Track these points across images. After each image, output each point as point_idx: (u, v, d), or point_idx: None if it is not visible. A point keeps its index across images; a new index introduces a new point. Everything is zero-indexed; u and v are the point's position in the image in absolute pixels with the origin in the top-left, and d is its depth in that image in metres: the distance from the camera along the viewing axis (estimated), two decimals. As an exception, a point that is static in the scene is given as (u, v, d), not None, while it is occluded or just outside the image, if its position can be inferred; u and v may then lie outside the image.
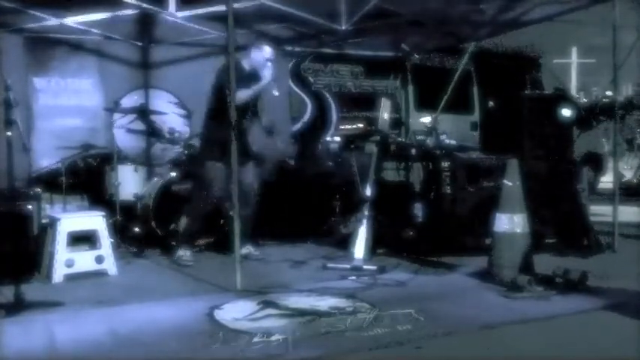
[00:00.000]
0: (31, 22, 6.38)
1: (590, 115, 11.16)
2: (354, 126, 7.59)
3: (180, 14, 5.97)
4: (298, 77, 8.65)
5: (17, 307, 3.76)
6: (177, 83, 7.25)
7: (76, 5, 6.08)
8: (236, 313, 3.67)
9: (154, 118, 6.35)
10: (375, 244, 5.40)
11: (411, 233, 5.73)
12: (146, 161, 6.60)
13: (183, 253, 5.27)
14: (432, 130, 5.95)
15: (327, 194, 6.72)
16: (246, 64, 5.40)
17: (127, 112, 6.15)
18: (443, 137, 5.91)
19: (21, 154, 4.04)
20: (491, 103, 8.95)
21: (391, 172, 6.48)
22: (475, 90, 9.16)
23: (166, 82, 7.30)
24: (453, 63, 8.65)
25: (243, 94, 5.04)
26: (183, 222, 5.45)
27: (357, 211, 5.53)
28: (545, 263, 4.53)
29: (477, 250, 5.06)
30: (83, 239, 4.91)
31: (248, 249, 5.41)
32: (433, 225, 5.59)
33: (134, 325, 3.50)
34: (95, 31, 6.80)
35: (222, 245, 5.74)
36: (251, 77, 5.30)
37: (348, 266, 4.88)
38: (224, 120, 5.02)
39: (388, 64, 8.91)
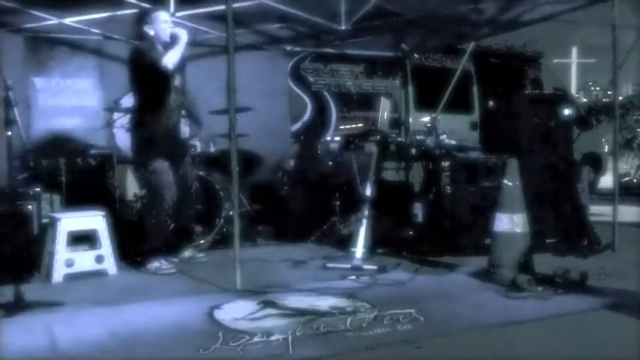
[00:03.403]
0: (31, 22, 6.39)
1: (590, 115, 11.19)
2: (354, 126, 7.61)
3: (180, 14, 5.97)
4: (298, 77, 8.67)
5: (17, 307, 3.75)
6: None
7: (76, 5, 6.09)
8: (236, 313, 3.67)
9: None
10: (375, 244, 5.41)
11: (411, 233, 5.74)
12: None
13: (160, 264, 4.95)
14: (431, 130, 5.95)
15: (327, 194, 6.72)
16: (159, 43, 4.99)
17: (127, 111, 6.14)
18: (443, 137, 5.91)
19: (21, 154, 4.04)
20: (491, 103, 8.96)
21: (391, 172, 6.49)
22: (475, 90, 9.17)
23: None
24: (453, 63, 8.66)
25: (173, 56, 4.75)
26: (148, 229, 5.08)
27: (357, 211, 5.53)
28: (545, 263, 4.53)
29: (477, 250, 5.06)
30: (83, 239, 4.91)
31: (160, 262, 4.99)
32: (433, 225, 5.59)
33: (134, 325, 3.50)
34: (95, 30, 6.81)
35: (222, 245, 5.78)
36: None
37: (348, 266, 4.88)
38: (155, 106, 4.91)
39: (388, 64, 8.92)
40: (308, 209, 6.78)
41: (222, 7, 4.93)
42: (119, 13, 6.16)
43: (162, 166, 4.99)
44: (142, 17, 5.08)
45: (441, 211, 5.58)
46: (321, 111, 8.80)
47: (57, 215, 4.91)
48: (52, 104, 6.99)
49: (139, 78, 4.97)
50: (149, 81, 4.90)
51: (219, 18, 5.82)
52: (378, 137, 5.55)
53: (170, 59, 4.79)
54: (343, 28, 6.61)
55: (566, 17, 6.65)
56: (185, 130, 5.54)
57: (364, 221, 5.14)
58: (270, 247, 6.12)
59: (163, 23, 4.99)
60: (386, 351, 3.05)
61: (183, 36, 4.89)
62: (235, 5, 4.72)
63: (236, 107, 4.37)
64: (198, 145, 6.12)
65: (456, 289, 4.28)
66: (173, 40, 4.89)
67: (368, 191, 5.27)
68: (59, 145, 6.47)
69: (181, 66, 5.05)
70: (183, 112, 5.34)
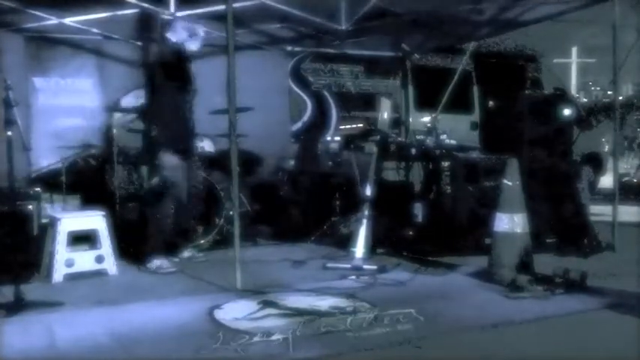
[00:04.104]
0: (31, 22, 6.38)
1: (590, 115, 11.20)
2: (354, 126, 7.61)
3: (179, 14, 5.96)
4: (298, 77, 8.66)
5: (17, 307, 3.76)
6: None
7: (76, 5, 6.09)
8: (236, 313, 3.67)
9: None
10: (375, 244, 5.41)
11: (411, 233, 5.74)
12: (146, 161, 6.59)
13: (161, 263, 4.98)
14: (431, 130, 5.95)
15: (327, 194, 6.73)
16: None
17: (127, 111, 6.15)
18: (443, 137, 5.91)
19: (21, 154, 4.04)
20: (491, 103, 8.97)
21: (391, 172, 6.49)
22: (475, 90, 9.17)
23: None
24: (453, 63, 8.67)
25: (194, 42, 5.15)
26: (150, 227, 5.12)
27: (357, 211, 5.53)
28: (545, 263, 4.53)
29: (477, 250, 5.06)
30: (83, 239, 4.91)
31: (161, 261, 5.02)
32: (433, 225, 5.59)
33: (134, 325, 3.50)
34: (95, 30, 6.80)
35: (222, 245, 5.77)
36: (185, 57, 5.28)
37: (348, 266, 4.88)
38: (167, 97, 5.06)
39: (388, 64, 8.92)
40: (308, 209, 6.78)
41: (222, 7, 4.94)
42: (119, 13, 6.16)
43: (174, 162, 5.07)
44: (163, 26, 5.44)
45: (441, 211, 5.58)
46: (321, 111, 8.80)
47: (57, 215, 4.92)
48: (52, 104, 6.99)
49: (159, 77, 5.15)
50: (169, 79, 5.11)
51: (219, 18, 5.81)
52: (378, 137, 5.55)
53: (193, 45, 5.17)
54: (343, 28, 6.61)
55: (566, 17, 6.66)
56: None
57: (364, 221, 5.14)
58: (270, 247, 6.12)
59: (182, 29, 5.20)
60: (386, 351, 3.06)
61: (200, 29, 5.26)
62: (235, 5, 4.72)
63: (236, 107, 4.37)
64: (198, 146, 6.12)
65: (456, 289, 4.28)
66: (192, 35, 5.21)
67: (368, 191, 5.27)
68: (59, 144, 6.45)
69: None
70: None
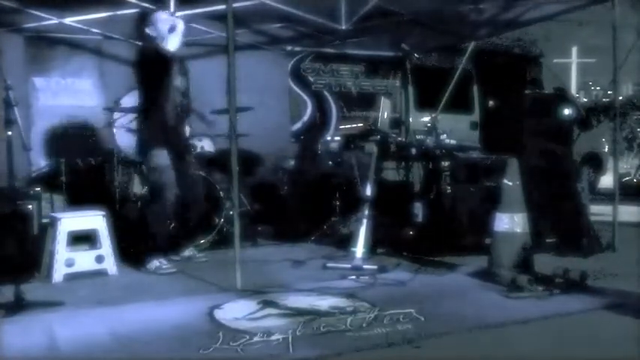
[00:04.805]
0: (31, 22, 6.39)
1: (591, 115, 11.20)
2: (354, 126, 7.61)
3: (179, 13, 5.96)
4: (298, 77, 8.67)
5: (17, 306, 3.75)
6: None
7: (76, 5, 6.09)
8: (236, 313, 3.67)
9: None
10: (375, 244, 5.40)
11: (411, 233, 5.73)
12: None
13: (160, 263, 4.97)
14: (431, 130, 5.95)
15: (327, 194, 6.73)
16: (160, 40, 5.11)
17: (127, 111, 6.16)
18: (443, 137, 5.90)
19: (21, 154, 4.04)
20: (491, 103, 8.97)
21: (391, 172, 6.49)
22: (475, 89, 9.18)
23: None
24: (453, 63, 8.66)
25: (173, 40, 4.90)
26: (149, 228, 5.12)
27: (357, 210, 5.53)
28: (545, 263, 4.53)
29: (477, 250, 5.06)
30: (83, 239, 4.91)
31: (160, 262, 5.02)
32: (433, 225, 5.58)
33: (134, 325, 3.50)
34: (95, 30, 6.81)
35: (222, 245, 5.77)
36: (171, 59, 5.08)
37: (348, 266, 4.88)
38: (159, 103, 5.04)
39: (388, 64, 8.93)
40: (308, 209, 6.78)
41: (222, 7, 4.94)
42: (119, 13, 6.16)
43: (164, 163, 5.05)
44: (143, 19, 5.22)
45: (441, 211, 5.57)
46: (321, 111, 8.81)
47: (57, 215, 4.91)
48: (52, 104, 6.99)
49: (144, 77, 5.11)
50: (153, 78, 5.02)
51: (219, 18, 5.82)
52: (378, 137, 5.54)
53: (171, 43, 4.94)
54: (343, 28, 6.61)
55: (566, 17, 6.66)
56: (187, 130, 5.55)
57: (364, 221, 5.13)
58: (270, 247, 6.12)
59: (162, 22, 5.07)
60: (386, 351, 3.05)
61: (180, 24, 5.03)
62: (235, 5, 4.72)
63: (236, 107, 4.37)
64: (198, 145, 6.13)
65: (456, 289, 4.28)
66: (172, 30, 5.00)
67: (368, 191, 5.27)
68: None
69: (184, 71, 5.29)
70: (186, 113, 5.40)
